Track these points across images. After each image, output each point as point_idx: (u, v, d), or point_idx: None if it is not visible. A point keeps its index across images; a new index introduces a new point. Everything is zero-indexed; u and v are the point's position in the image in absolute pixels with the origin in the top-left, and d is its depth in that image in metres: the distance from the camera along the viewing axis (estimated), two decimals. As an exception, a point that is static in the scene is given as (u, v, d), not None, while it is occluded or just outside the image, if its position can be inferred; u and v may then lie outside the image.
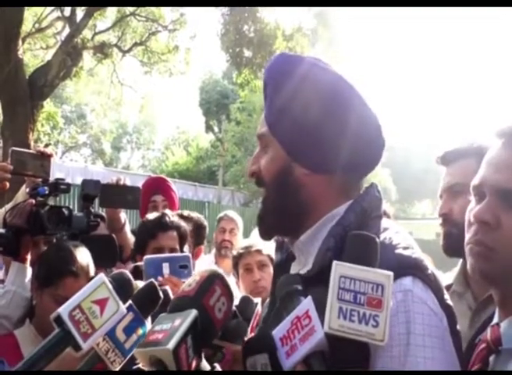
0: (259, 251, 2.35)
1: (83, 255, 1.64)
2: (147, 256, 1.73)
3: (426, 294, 0.85)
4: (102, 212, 2.49)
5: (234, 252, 2.44)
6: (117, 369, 0.82)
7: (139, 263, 1.82)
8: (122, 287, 0.84)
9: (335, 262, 0.78)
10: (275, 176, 0.97)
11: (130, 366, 0.83)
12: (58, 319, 0.77)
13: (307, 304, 0.79)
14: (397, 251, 0.87)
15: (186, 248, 2.26)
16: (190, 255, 1.77)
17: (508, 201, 0.86)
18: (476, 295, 1.36)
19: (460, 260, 1.46)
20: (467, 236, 0.91)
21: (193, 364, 0.77)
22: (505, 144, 0.88)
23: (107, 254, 1.74)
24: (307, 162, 0.95)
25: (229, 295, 0.84)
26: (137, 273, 1.77)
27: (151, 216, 2.20)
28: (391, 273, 0.77)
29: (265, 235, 1.04)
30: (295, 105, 0.94)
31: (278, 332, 0.81)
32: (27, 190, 1.78)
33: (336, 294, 0.76)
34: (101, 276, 0.83)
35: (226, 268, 2.99)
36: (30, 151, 1.81)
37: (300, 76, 0.94)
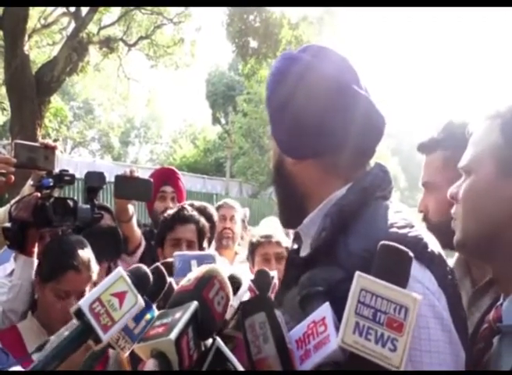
0: (279, 243, 2.34)
1: (85, 250, 1.64)
2: (177, 252, 1.75)
3: (422, 274, 0.81)
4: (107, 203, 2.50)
5: (253, 240, 2.41)
6: (127, 354, 0.84)
7: (169, 259, 1.86)
8: (139, 281, 0.84)
9: (357, 274, 0.73)
10: (273, 170, 1.03)
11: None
12: (79, 312, 0.77)
13: (324, 310, 0.77)
14: (392, 230, 0.84)
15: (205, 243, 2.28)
16: (214, 253, 1.80)
17: (466, 174, 0.91)
18: (476, 281, 1.33)
19: None
20: None
21: (196, 356, 0.76)
22: (487, 126, 0.90)
23: (111, 246, 1.74)
24: (291, 151, 0.97)
25: (228, 291, 0.83)
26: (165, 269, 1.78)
27: (171, 210, 2.26)
28: (419, 297, 0.71)
29: (285, 226, 1.11)
30: (280, 99, 0.97)
31: (294, 333, 0.79)
32: (32, 183, 1.77)
33: (354, 308, 0.71)
34: (119, 269, 0.84)
35: (228, 260, 2.97)
36: (34, 143, 1.80)
37: (281, 74, 0.98)
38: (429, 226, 1.34)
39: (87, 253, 1.64)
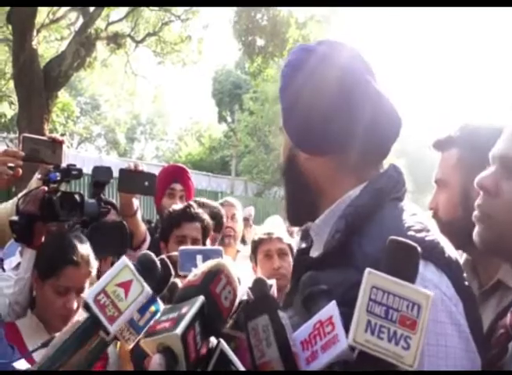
0: (280, 239, 2.35)
1: (84, 245, 1.63)
2: (182, 248, 1.75)
3: (439, 278, 0.80)
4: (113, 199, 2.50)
5: (255, 238, 2.43)
6: (131, 346, 0.84)
7: (173, 253, 1.87)
8: (145, 269, 0.83)
9: (367, 270, 0.71)
10: (284, 163, 1.01)
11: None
12: (86, 305, 0.77)
13: (331, 309, 0.74)
14: (409, 233, 0.83)
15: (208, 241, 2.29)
16: (222, 248, 1.80)
17: (509, 168, 0.87)
18: (483, 284, 1.32)
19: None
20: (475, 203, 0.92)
21: (203, 351, 0.75)
22: None
23: (117, 240, 1.74)
24: (305, 146, 0.96)
25: (235, 285, 0.82)
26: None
27: (178, 206, 2.28)
28: (431, 294, 0.69)
29: (292, 223, 1.07)
30: (292, 91, 0.96)
31: (299, 335, 0.77)
32: (40, 176, 1.78)
33: (365, 306, 0.69)
34: (124, 259, 0.82)
35: (230, 258, 2.98)
36: (42, 137, 1.81)
37: (296, 67, 0.97)
38: (439, 225, 1.33)
39: (85, 249, 1.62)
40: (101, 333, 0.77)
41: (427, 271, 0.79)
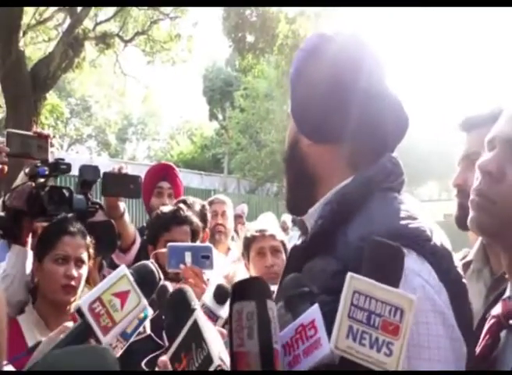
0: (273, 236, 2.32)
1: (77, 224, 1.69)
2: (170, 244, 1.73)
3: (421, 266, 0.78)
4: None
5: (247, 234, 2.40)
6: (119, 354, 0.81)
7: (162, 250, 1.85)
8: (144, 280, 0.80)
9: (349, 275, 0.69)
10: (288, 148, 1.00)
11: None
12: (80, 311, 0.75)
13: (313, 313, 0.72)
14: (392, 221, 0.81)
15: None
16: (212, 245, 1.78)
17: None
18: (494, 271, 1.30)
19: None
20: (472, 188, 0.87)
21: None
22: None
23: (106, 240, 1.72)
24: (308, 132, 0.94)
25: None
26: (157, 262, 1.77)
27: (166, 208, 2.23)
28: (414, 298, 0.67)
29: (291, 211, 1.06)
30: (301, 78, 0.95)
31: (281, 338, 0.74)
32: (27, 171, 1.75)
33: (347, 311, 0.67)
34: (123, 268, 0.80)
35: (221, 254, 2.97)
36: (27, 132, 1.78)
37: (309, 52, 0.96)
38: (465, 200, 1.32)
39: (79, 225, 1.69)
40: (91, 341, 0.75)
41: (408, 259, 0.76)
